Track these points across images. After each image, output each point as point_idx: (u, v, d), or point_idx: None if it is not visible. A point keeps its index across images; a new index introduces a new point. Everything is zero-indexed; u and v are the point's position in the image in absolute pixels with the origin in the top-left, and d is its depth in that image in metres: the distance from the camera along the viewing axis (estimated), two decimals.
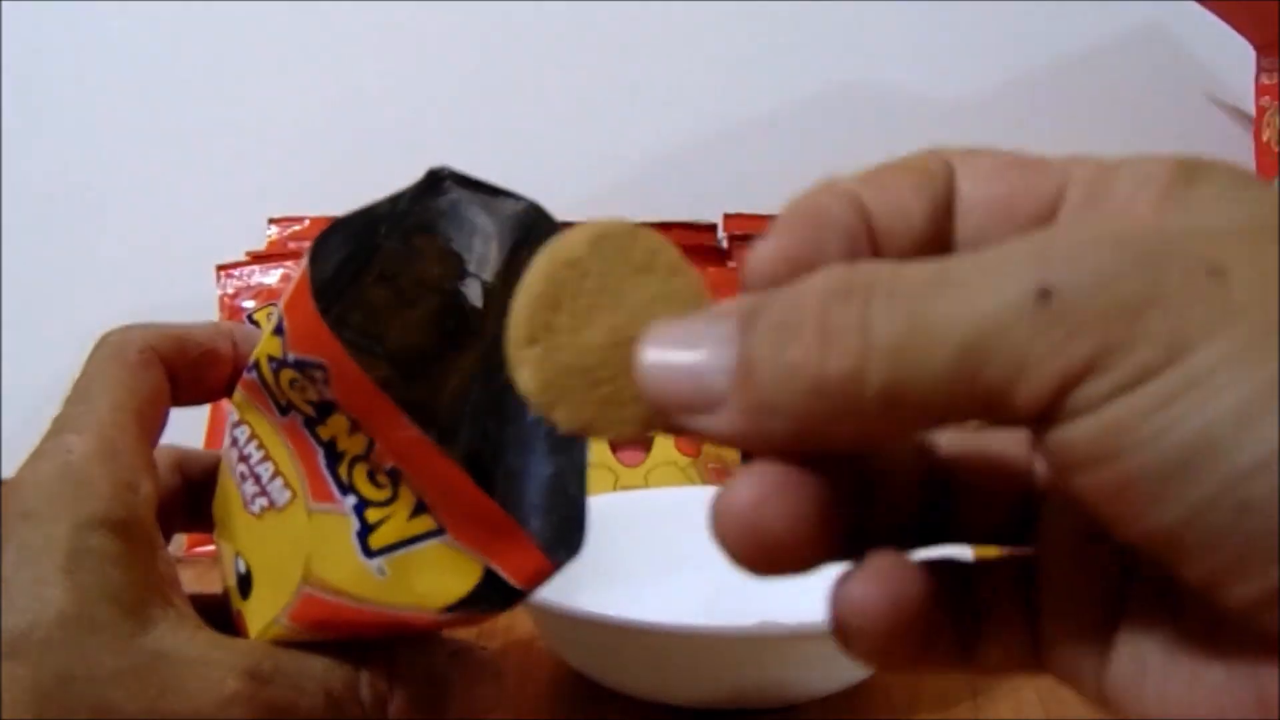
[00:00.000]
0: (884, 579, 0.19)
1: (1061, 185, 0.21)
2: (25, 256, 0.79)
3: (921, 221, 0.21)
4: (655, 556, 0.50)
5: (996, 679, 0.23)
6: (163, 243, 0.79)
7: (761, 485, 0.19)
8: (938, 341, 0.16)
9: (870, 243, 0.21)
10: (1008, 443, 0.23)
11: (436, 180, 0.31)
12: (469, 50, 0.79)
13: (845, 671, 0.41)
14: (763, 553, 0.19)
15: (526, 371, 0.21)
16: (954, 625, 0.21)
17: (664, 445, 0.63)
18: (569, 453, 0.29)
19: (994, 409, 0.17)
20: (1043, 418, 0.16)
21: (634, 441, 0.23)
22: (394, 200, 0.31)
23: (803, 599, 0.45)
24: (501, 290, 0.32)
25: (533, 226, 0.31)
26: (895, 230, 0.21)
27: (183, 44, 0.79)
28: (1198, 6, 0.67)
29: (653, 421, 0.21)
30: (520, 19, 0.78)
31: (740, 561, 0.19)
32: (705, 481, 0.62)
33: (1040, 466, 0.22)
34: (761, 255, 0.21)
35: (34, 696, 0.25)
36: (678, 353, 0.19)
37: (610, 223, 0.21)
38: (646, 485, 0.61)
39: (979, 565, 0.22)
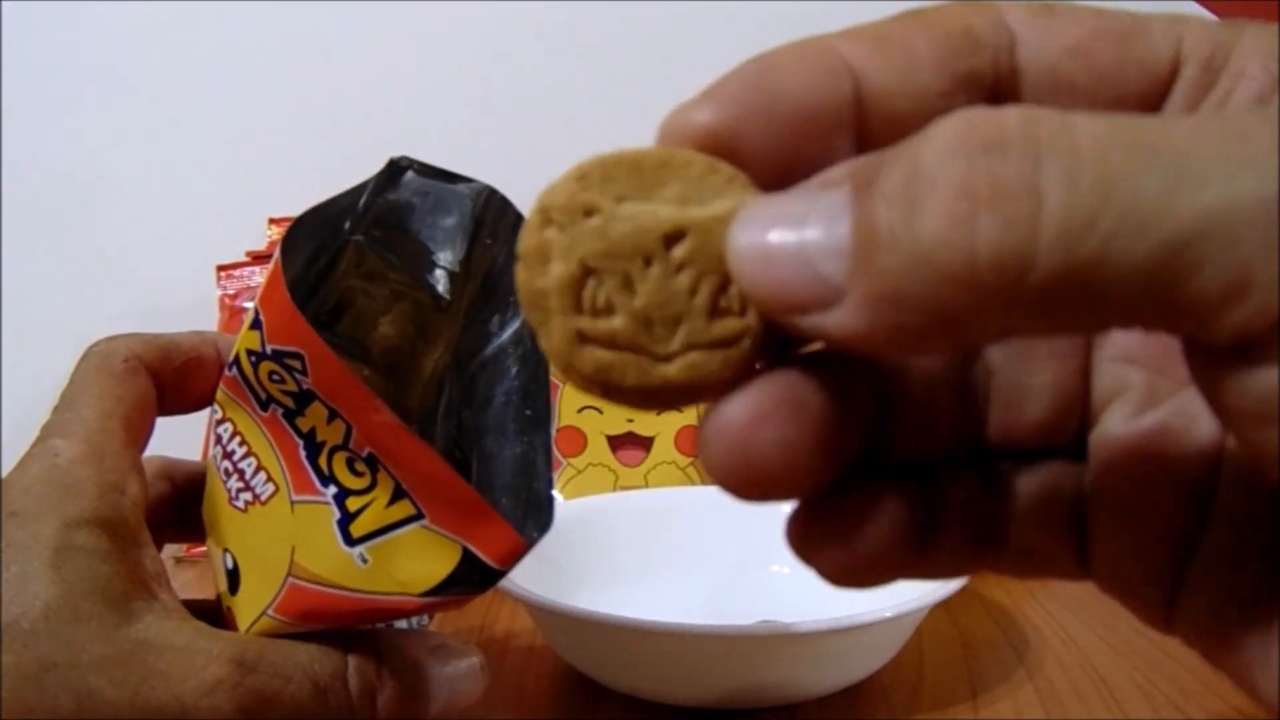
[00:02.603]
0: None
1: (1174, 56, 0.16)
2: (25, 257, 0.79)
3: (939, 102, 0.16)
4: (655, 556, 0.50)
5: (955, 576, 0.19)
6: (163, 243, 0.79)
7: (758, 404, 0.16)
8: (1139, 228, 0.13)
9: (854, 130, 0.16)
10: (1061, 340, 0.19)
11: (397, 170, 0.31)
12: (469, 51, 0.79)
13: (845, 671, 0.41)
14: (752, 480, 0.16)
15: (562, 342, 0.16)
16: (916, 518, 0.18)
17: (664, 445, 0.63)
18: (536, 432, 0.29)
19: (1185, 322, 0.13)
20: (1246, 348, 0.13)
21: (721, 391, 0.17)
22: (357, 192, 0.31)
23: (803, 599, 0.45)
24: (466, 277, 0.32)
25: (488, 208, 0.32)
26: (899, 112, 0.16)
27: (182, 44, 0.79)
28: (1195, 7, 0.68)
29: (751, 352, 0.16)
30: (521, 20, 0.78)
31: (727, 488, 0.16)
32: (705, 481, 0.62)
33: (1105, 361, 0.19)
34: (679, 125, 0.16)
35: (15, 682, 0.25)
36: (779, 232, 0.15)
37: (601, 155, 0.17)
38: (646, 485, 0.61)
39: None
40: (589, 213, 0.16)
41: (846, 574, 0.18)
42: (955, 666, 0.44)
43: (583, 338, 0.16)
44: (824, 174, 0.15)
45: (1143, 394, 0.19)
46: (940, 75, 0.16)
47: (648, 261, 0.16)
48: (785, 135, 0.16)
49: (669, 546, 0.50)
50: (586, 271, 0.16)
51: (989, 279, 0.13)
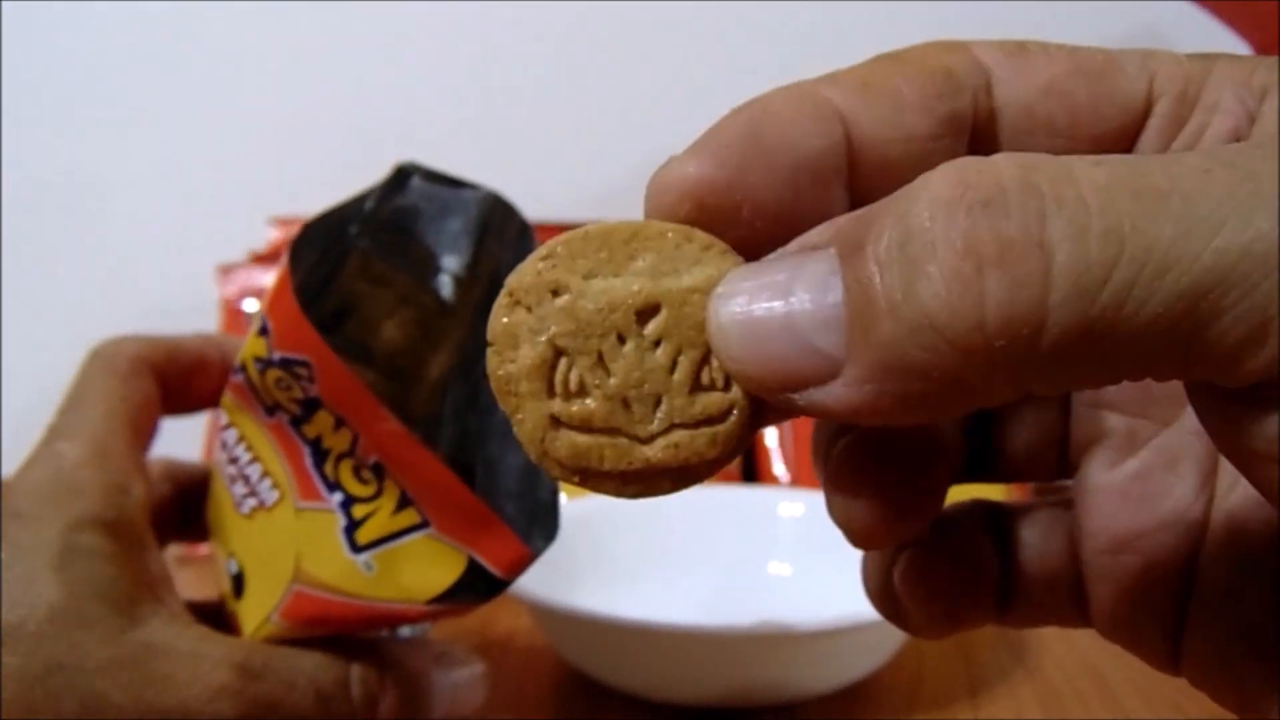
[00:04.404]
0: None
1: (1147, 92, 0.16)
2: (25, 257, 0.79)
3: (928, 145, 0.16)
4: (655, 556, 0.50)
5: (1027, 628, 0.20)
6: (163, 243, 0.79)
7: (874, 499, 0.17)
8: (1155, 278, 0.12)
9: (847, 174, 0.16)
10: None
11: (403, 176, 0.31)
12: (470, 50, 0.79)
13: (845, 671, 0.41)
14: (886, 536, 0.17)
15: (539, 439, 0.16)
16: (986, 571, 0.19)
17: None
18: None
19: (1201, 369, 0.13)
20: (1262, 392, 0.13)
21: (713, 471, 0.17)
22: (362, 198, 0.31)
23: (802, 599, 0.45)
24: (471, 282, 0.32)
25: (493, 215, 0.32)
26: (890, 157, 0.16)
27: (183, 44, 0.79)
28: (1195, 7, 0.67)
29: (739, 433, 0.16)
30: (522, 20, 0.78)
31: (855, 545, 0.18)
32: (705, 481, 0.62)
33: (1083, 405, 0.20)
34: (662, 182, 0.16)
35: (21, 685, 0.25)
36: (763, 305, 0.14)
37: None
38: None
39: (1012, 509, 0.20)
40: (556, 292, 0.15)
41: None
42: (954, 666, 0.44)
43: (556, 422, 0.15)
44: (802, 238, 0.15)
45: (1123, 439, 0.19)
46: (926, 118, 0.16)
47: (621, 339, 0.15)
48: (785, 186, 0.15)
49: (669, 546, 0.50)
50: (557, 353, 0.15)
51: (1000, 343, 0.12)
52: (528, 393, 0.15)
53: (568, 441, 0.15)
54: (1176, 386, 0.19)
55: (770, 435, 0.65)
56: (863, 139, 0.16)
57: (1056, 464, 0.20)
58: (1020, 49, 0.17)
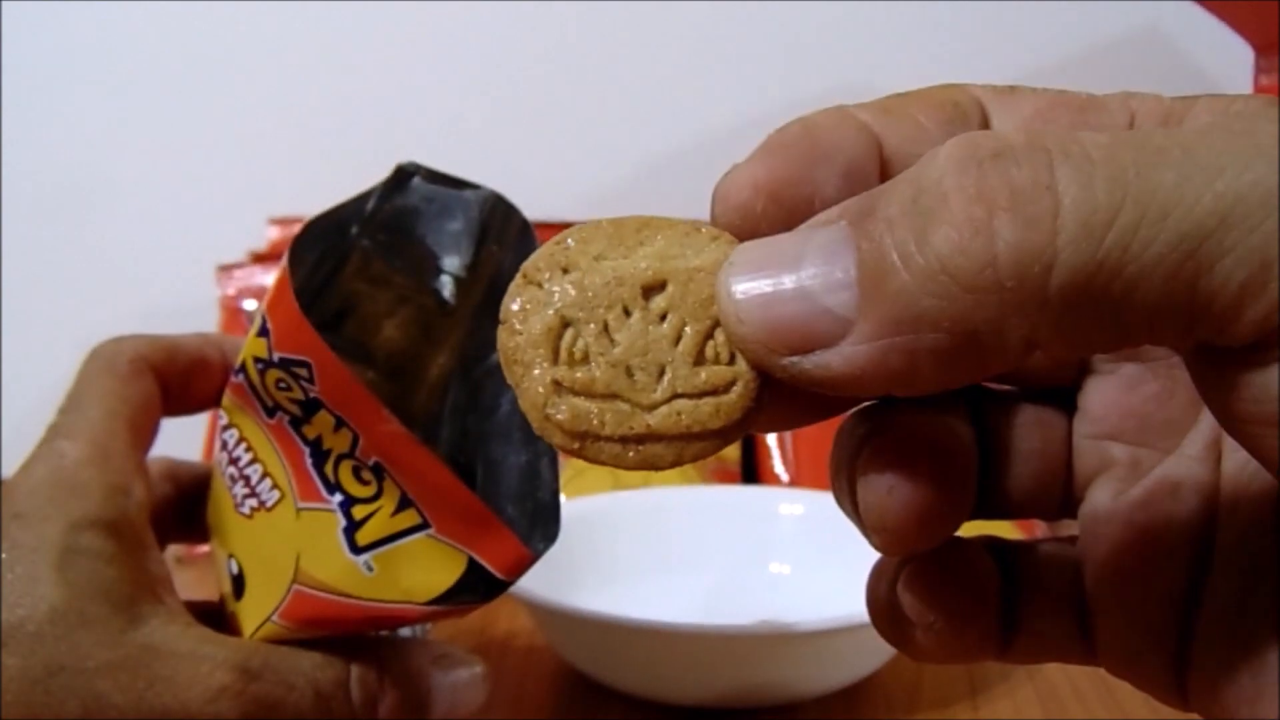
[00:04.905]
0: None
1: (1127, 123, 0.17)
2: (25, 257, 0.79)
3: None
4: (655, 556, 0.50)
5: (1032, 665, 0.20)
6: (163, 243, 0.79)
7: (911, 485, 0.17)
8: (1159, 219, 0.13)
9: (879, 181, 0.17)
10: (1045, 410, 0.20)
11: (404, 176, 0.31)
12: (471, 51, 0.79)
13: (845, 671, 0.41)
14: (920, 535, 0.17)
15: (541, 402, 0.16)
16: (993, 607, 0.20)
17: None
18: (541, 440, 0.29)
19: (1204, 324, 0.13)
20: (1262, 348, 0.13)
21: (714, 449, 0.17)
22: (363, 198, 0.31)
23: (803, 599, 0.45)
24: (472, 282, 0.32)
25: (495, 215, 0.32)
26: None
27: (183, 44, 0.79)
28: (1196, 7, 0.67)
29: (743, 407, 0.16)
30: (524, 20, 0.78)
31: (887, 549, 0.18)
32: (705, 481, 0.62)
33: (1085, 438, 0.20)
34: (736, 183, 0.17)
35: (21, 686, 0.25)
36: (775, 272, 0.15)
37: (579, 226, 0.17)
38: (646, 485, 0.61)
39: (1020, 545, 0.20)
40: (567, 270, 0.16)
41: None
42: (954, 666, 0.44)
43: (559, 388, 0.16)
44: (810, 220, 0.15)
45: (1126, 468, 0.19)
46: (942, 138, 0.17)
47: (627, 311, 0.16)
48: (842, 181, 0.16)
49: (669, 546, 0.51)
50: (564, 324, 0.16)
51: (1011, 283, 0.13)
52: (533, 360, 0.16)
53: (570, 406, 0.16)
54: (1177, 413, 0.19)
55: (770, 435, 0.65)
56: (891, 151, 0.17)
57: (1060, 500, 0.20)
58: (1011, 89, 0.18)
